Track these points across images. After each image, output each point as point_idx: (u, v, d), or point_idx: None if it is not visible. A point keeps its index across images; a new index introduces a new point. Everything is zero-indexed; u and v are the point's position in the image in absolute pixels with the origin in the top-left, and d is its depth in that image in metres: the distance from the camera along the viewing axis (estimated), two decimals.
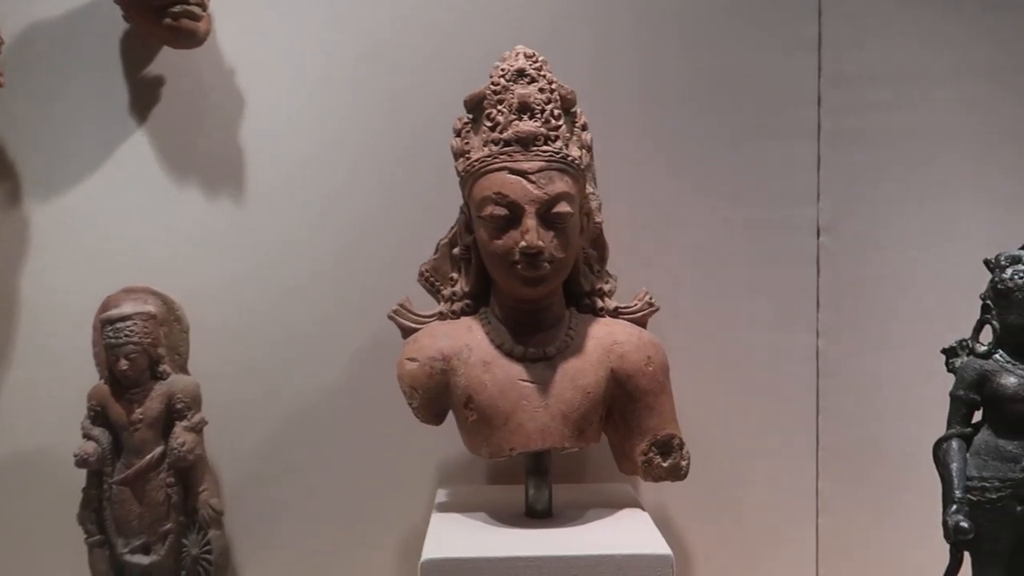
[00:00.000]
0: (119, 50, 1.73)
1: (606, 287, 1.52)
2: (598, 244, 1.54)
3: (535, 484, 1.45)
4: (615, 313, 1.50)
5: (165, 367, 1.58)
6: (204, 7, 1.63)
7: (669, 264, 1.72)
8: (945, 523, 1.35)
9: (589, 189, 1.50)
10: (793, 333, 1.74)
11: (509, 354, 1.39)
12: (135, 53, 1.73)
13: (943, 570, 1.41)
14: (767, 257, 1.73)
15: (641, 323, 1.52)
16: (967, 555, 1.41)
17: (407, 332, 1.50)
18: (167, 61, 1.72)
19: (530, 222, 1.32)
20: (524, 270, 1.34)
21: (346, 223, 1.71)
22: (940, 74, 1.73)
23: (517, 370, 1.38)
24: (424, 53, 1.70)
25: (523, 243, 1.32)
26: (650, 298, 1.53)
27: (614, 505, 1.49)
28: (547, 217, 1.34)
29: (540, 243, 1.32)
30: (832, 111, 1.73)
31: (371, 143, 1.71)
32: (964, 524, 1.33)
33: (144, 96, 1.73)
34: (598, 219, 1.52)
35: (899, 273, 1.73)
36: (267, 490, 1.71)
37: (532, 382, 1.37)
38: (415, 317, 1.50)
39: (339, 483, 1.72)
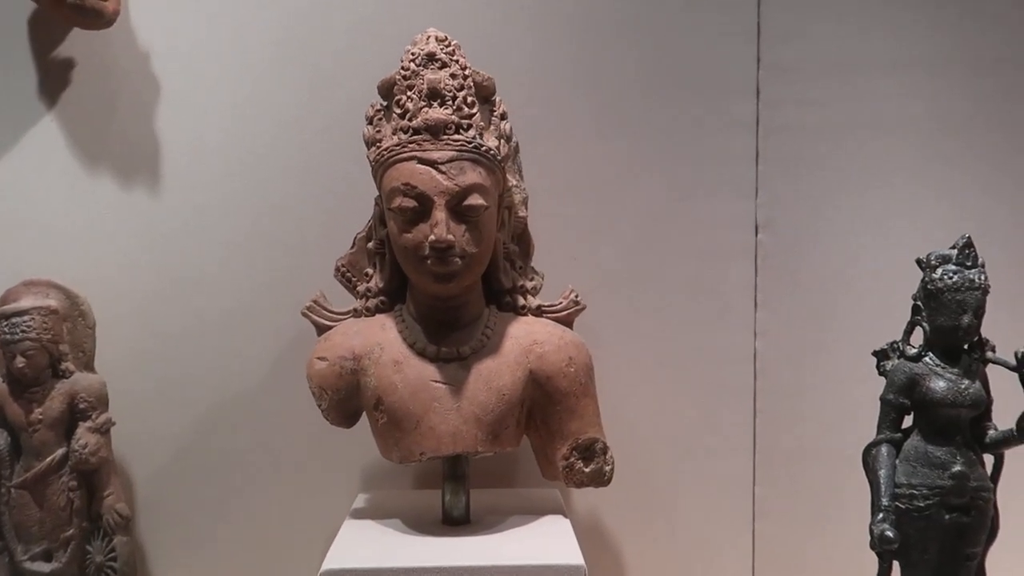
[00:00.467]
0: (26, 31, 1.64)
1: (529, 284, 1.45)
2: (523, 239, 1.47)
3: (451, 490, 1.39)
4: (538, 312, 1.44)
5: (68, 365, 1.50)
6: None
7: (602, 261, 1.66)
8: (871, 532, 1.30)
9: (513, 181, 1.44)
10: (730, 333, 1.68)
11: (421, 354, 1.33)
12: (43, 35, 1.64)
13: None
14: (704, 254, 1.68)
15: (567, 322, 1.46)
16: (896, 564, 1.37)
17: (321, 329, 1.43)
18: (77, 43, 1.64)
19: (439, 215, 1.25)
20: (434, 265, 1.27)
21: (262, 214, 1.64)
22: (880, 65, 1.68)
23: (430, 371, 1.32)
24: (342, 36, 1.63)
25: (432, 237, 1.25)
26: (576, 296, 1.47)
27: (537, 512, 1.43)
28: (458, 210, 1.27)
29: (450, 237, 1.25)
30: (771, 103, 1.67)
31: (288, 130, 1.63)
32: (889, 533, 1.28)
33: (54, 79, 1.65)
34: (522, 213, 1.46)
35: (838, 271, 1.68)
36: (181, 493, 1.64)
37: (445, 383, 1.31)
38: (329, 314, 1.43)
39: (257, 486, 1.65)
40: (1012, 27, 1.69)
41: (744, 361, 1.69)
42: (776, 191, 1.68)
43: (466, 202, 1.27)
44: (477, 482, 1.55)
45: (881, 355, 1.40)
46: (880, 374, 1.40)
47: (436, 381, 1.31)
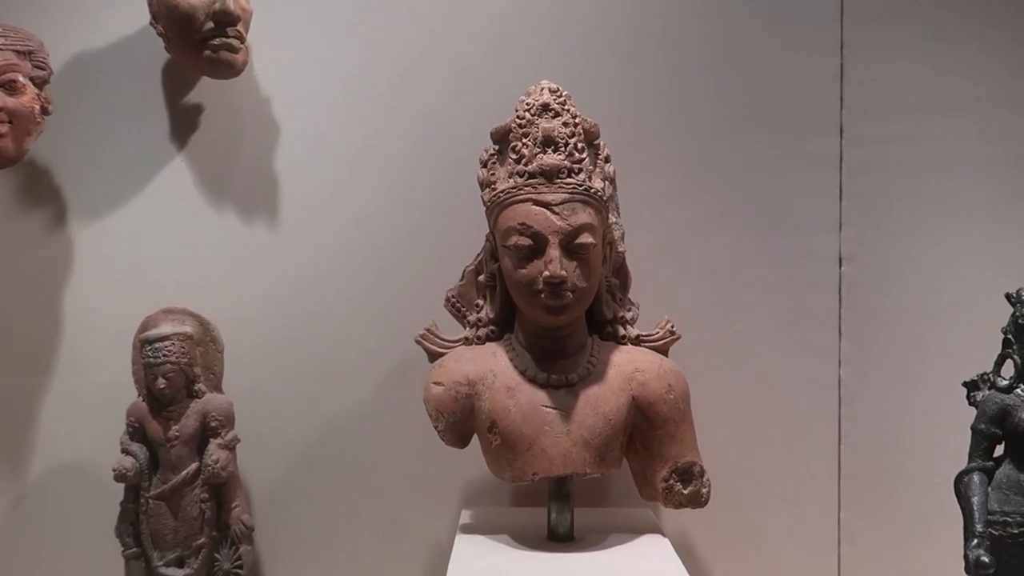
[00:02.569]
0: (160, 79, 1.80)
1: (628, 315, 1.55)
2: (621, 273, 1.57)
3: (557, 508, 1.48)
4: (637, 341, 1.53)
5: (200, 386, 1.64)
6: (242, 40, 1.69)
7: (693, 292, 1.75)
8: (966, 557, 1.35)
9: (612, 219, 1.54)
10: (815, 361, 1.75)
11: (532, 380, 1.43)
12: (175, 82, 1.80)
13: None
14: (790, 286, 1.75)
15: (663, 351, 1.55)
16: None
17: (433, 356, 1.54)
18: (206, 90, 1.79)
19: (554, 252, 1.36)
20: (547, 299, 1.37)
21: (376, 248, 1.76)
22: (960, 104, 1.74)
23: (540, 396, 1.41)
24: (452, 83, 1.75)
25: (546, 273, 1.35)
26: (671, 326, 1.56)
27: (635, 531, 1.51)
28: (570, 247, 1.37)
29: (563, 273, 1.35)
30: (854, 142, 1.75)
31: (400, 171, 1.76)
32: (985, 559, 1.33)
33: (184, 124, 1.80)
34: (621, 248, 1.56)
35: (921, 303, 1.74)
36: (296, 507, 1.76)
37: (555, 408, 1.40)
38: (441, 341, 1.54)
39: (366, 502, 1.76)
40: None
41: (829, 389, 1.75)
42: (859, 226, 1.75)
43: (577, 240, 1.38)
44: (575, 501, 1.65)
45: (972, 386, 1.46)
46: (971, 404, 1.45)
47: (547, 406, 1.40)
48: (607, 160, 1.48)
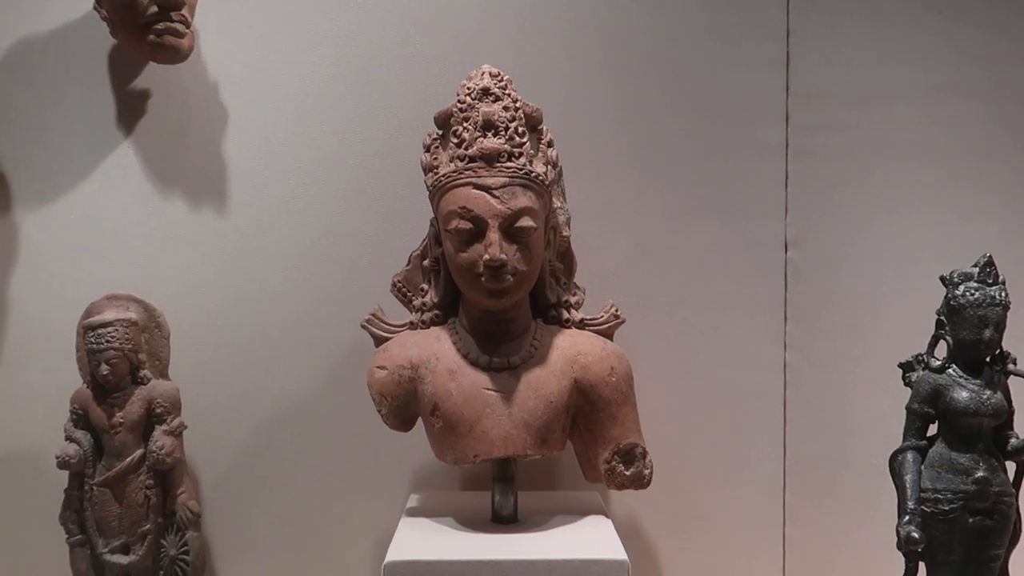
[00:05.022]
0: (107, 65, 1.78)
1: (573, 299, 1.56)
2: (566, 258, 1.58)
3: (501, 491, 1.49)
4: (581, 325, 1.54)
5: (146, 372, 1.63)
6: (187, 24, 1.68)
7: (639, 277, 1.76)
8: (898, 533, 1.38)
9: (557, 203, 1.54)
10: (761, 346, 1.77)
11: (475, 363, 1.43)
12: (122, 68, 1.78)
13: None
14: (736, 271, 1.77)
15: (607, 335, 1.56)
16: (922, 566, 1.44)
17: (379, 341, 1.54)
18: (153, 76, 1.77)
19: (493, 236, 1.36)
20: (488, 282, 1.38)
21: (324, 233, 1.76)
22: (905, 91, 1.77)
23: (482, 379, 1.42)
24: (400, 68, 1.75)
25: (486, 256, 1.36)
26: (616, 310, 1.57)
27: (580, 512, 1.53)
28: (510, 231, 1.38)
29: (503, 256, 1.36)
30: (799, 128, 1.77)
31: (348, 155, 1.76)
32: (915, 534, 1.36)
33: (131, 109, 1.78)
34: (566, 233, 1.57)
35: (865, 287, 1.77)
36: (245, 492, 1.76)
37: (496, 391, 1.41)
38: (386, 326, 1.54)
39: (315, 486, 1.76)
40: None
41: (775, 373, 1.77)
42: (804, 212, 1.77)
43: (517, 224, 1.38)
44: (522, 484, 1.66)
45: (907, 367, 1.49)
46: (906, 385, 1.48)
47: (488, 389, 1.41)
48: (550, 145, 1.48)
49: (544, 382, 1.43)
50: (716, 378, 1.77)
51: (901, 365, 1.49)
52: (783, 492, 1.77)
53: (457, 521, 1.48)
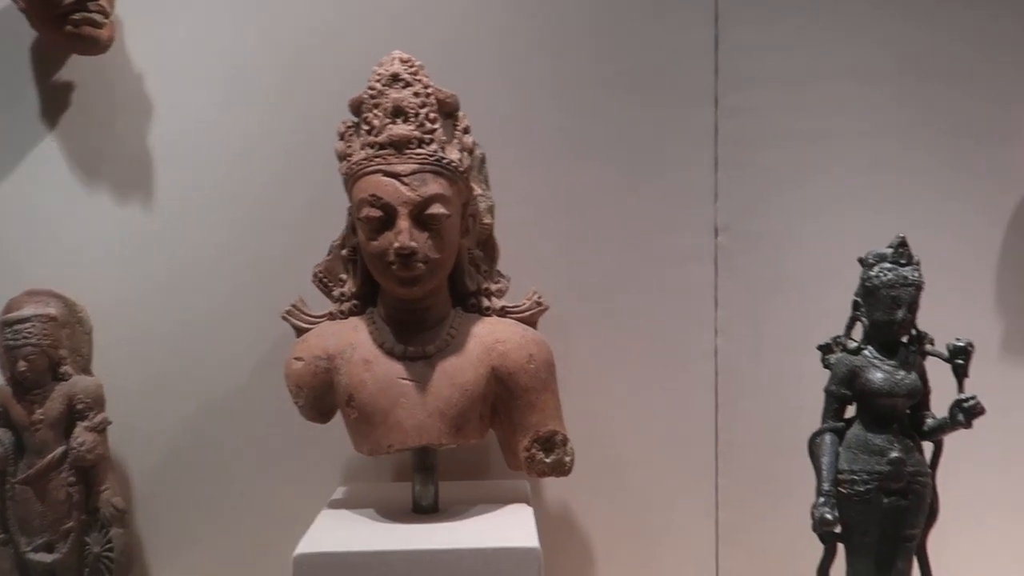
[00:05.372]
0: (28, 57, 1.76)
1: (494, 287, 1.55)
2: (487, 245, 1.57)
3: (421, 480, 1.48)
4: (502, 312, 1.53)
5: (66, 368, 1.61)
6: (106, 15, 1.65)
7: (569, 264, 1.75)
8: (812, 515, 1.38)
9: (478, 191, 1.53)
10: (692, 332, 1.77)
11: (390, 353, 1.42)
12: (45, 60, 1.75)
13: None
14: (667, 257, 1.76)
15: (531, 322, 1.55)
16: (843, 548, 1.44)
17: (300, 332, 1.53)
18: (77, 68, 1.75)
19: (403, 223, 1.35)
20: (399, 270, 1.37)
21: (249, 225, 1.74)
22: (835, 74, 1.76)
23: (397, 368, 1.41)
24: (323, 56, 1.72)
25: (396, 244, 1.35)
26: (539, 297, 1.56)
27: (504, 501, 1.52)
28: (421, 218, 1.37)
29: (413, 244, 1.35)
30: (729, 112, 1.76)
31: (273, 145, 1.74)
32: (828, 516, 1.36)
33: (54, 102, 1.76)
34: (487, 220, 1.55)
35: (794, 272, 1.76)
36: (175, 487, 1.74)
37: (410, 380, 1.40)
38: (307, 317, 1.53)
39: (244, 480, 1.75)
40: (959, 38, 1.77)
41: (706, 358, 1.77)
42: (734, 196, 1.76)
43: (428, 211, 1.37)
44: (452, 474, 1.65)
45: (825, 349, 1.48)
46: (825, 367, 1.48)
47: (403, 378, 1.40)
48: (466, 131, 1.47)
49: (460, 370, 1.42)
50: (647, 364, 1.76)
51: (820, 347, 1.49)
52: (715, 477, 1.77)
53: (377, 512, 1.47)
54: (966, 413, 1.34)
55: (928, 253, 1.68)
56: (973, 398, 1.34)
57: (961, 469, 1.65)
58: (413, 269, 1.37)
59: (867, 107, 1.76)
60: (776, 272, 1.77)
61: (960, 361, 1.38)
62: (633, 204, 1.76)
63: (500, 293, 1.56)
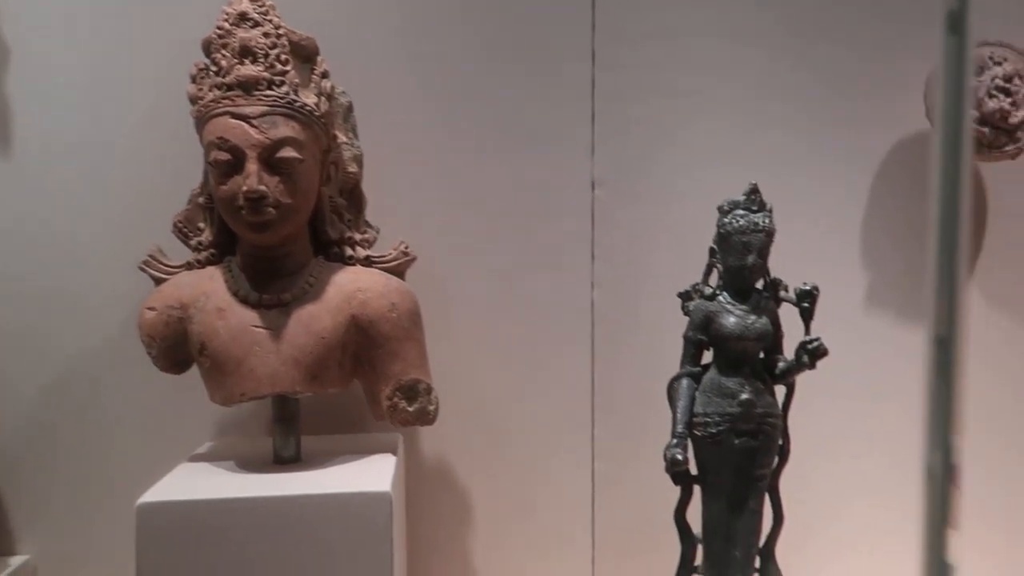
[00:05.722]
0: None
1: (359, 237, 1.53)
2: (354, 195, 1.55)
3: (281, 431, 1.46)
4: (367, 262, 1.51)
5: None
6: None
7: (444, 217, 1.73)
8: (664, 456, 1.41)
9: (343, 138, 1.51)
10: (569, 285, 1.77)
11: (244, 301, 1.40)
12: None
13: None
14: (543, 210, 1.76)
15: (398, 273, 1.54)
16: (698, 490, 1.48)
17: (159, 282, 1.49)
18: None
19: (252, 167, 1.32)
20: (248, 215, 1.34)
21: (114, 174, 1.67)
22: (710, 30, 1.77)
23: (251, 316, 1.38)
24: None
25: (244, 187, 1.32)
26: (406, 247, 1.55)
27: (371, 451, 1.51)
28: (271, 162, 1.34)
29: (262, 188, 1.32)
30: (606, 67, 1.76)
31: (134, 91, 1.67)
32: (679, 456, 1.39)
33: None
34: (352, 169, 1.53)
35: (670, 225, 1.78)
36: (40, 451, 1.68)
37: (265, 328, 1.38)
38: (164, 267, 1.49)
39: (115, 438, 1.69)
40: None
41: (582, 312, 1.78)
42: (611, 150, 1.77)
43: (279, 155, 1.34)
44: (326, 428, 1.64)
45: (684, 296, 1.51)
46: (685, 314, 1.50)
47: (257, 326, 1.38)
48: (324, 75, 1.44)
49: (316, 318, 1.40)
50: (524, 317, 1.76)
51: (680, 295, 1.51)
52: (592, 428, 1.79)
53: (236, 464, 1.45)
54: (810, 354, 1.38)
55: (799, 205, 1.75)
56: (817, 339, 1.38)
57: (822, 411, 1.71)
58: (263, 214, 1.34)
59: (742, 63, 1.78)
60: (652, 225, 1.79)
61: (806, 304, 1.42)
62: (509, 159, 1.75)
63: (366, 243, 1.54)
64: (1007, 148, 1.66)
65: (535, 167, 1.76)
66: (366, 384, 1.50)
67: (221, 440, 1.66)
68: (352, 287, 1.44)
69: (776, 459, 1.47)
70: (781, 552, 1.50)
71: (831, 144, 1.81)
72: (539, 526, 1.79)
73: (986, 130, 1.64)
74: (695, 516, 1.49)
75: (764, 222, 1.42)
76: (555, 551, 1.79)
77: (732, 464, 1.43)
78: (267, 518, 1.25)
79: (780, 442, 1.47)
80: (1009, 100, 1.63)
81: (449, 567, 1.78)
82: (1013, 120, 1.63)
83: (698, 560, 1.48)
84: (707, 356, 1.48)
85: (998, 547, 1.84)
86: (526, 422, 1.78)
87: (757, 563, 1.48)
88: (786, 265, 1.49)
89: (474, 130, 1.74)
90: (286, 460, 1.46)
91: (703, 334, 1.45)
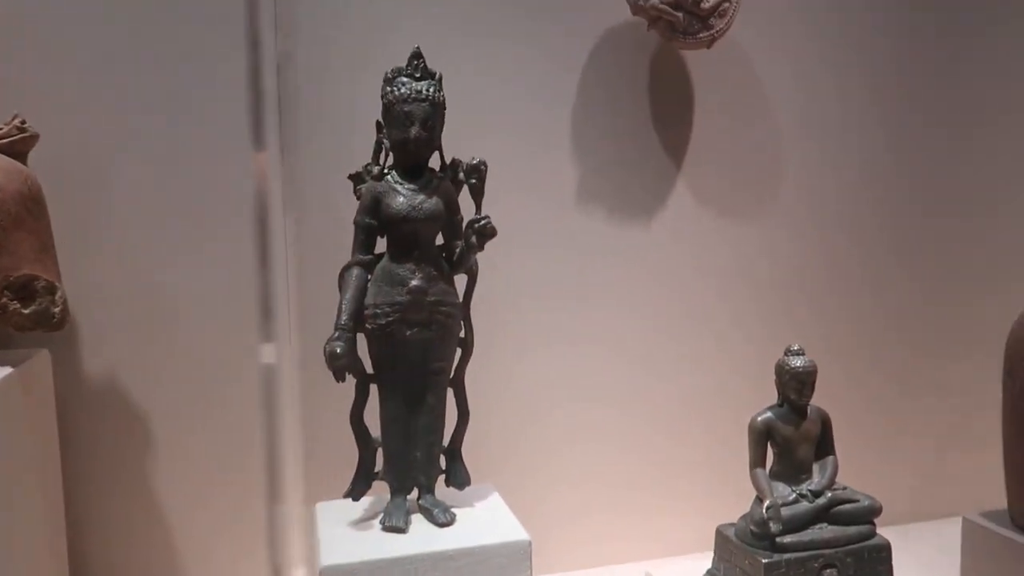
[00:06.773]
0: None
1: None
2: None
3: None
4: None
5: None
6: None
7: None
8: (324, 350, 1.26)
9: None
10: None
11: None
12: None
13: None
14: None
15: (14, 152, 1.28)
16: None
17: None
18: None
19: None
20: None
21: None
22: None
23: None
24: None
25: None
26: (23, 122, 1.30)
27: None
28: None
29: None
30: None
31: None
32: (338, 350, 1.24)
33: None
34: None
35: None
36: None
37: None
38: None
39: None
40: None
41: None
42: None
43: None
44: None
45: (356, 179, 1.36)
46: (357, 198, 1.36)
47: None
48: None
49: None
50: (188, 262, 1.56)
51: (350, 177, 1.36)
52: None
53: None
54: (478, 234, 1.27)
55: (510, 104, 1.66)
56: (485, 218, 1.27)
57: (528, 307, 1.65)
58: None
59: None
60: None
61: (474, 180, 1.31)
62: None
63: None
64: (701, 35, 1.63)
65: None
66: None
67: None
68: None
69: (459, 352, 1.37)
70: (473, 453, 1.41)
71: (537, 37, 1.72)
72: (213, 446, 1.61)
73: (680, 15, 1.60)
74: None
75: (428, 91, 1.29)
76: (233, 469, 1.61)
77: (406, 358, 1.31)
78: None
79: (462, 334, 1.38)
80: None
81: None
82: (705, 5, 1.61)
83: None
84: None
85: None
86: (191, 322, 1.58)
87: (444, 464, 1.39)
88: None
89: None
90: None
91: (373, 217, 1.32)
